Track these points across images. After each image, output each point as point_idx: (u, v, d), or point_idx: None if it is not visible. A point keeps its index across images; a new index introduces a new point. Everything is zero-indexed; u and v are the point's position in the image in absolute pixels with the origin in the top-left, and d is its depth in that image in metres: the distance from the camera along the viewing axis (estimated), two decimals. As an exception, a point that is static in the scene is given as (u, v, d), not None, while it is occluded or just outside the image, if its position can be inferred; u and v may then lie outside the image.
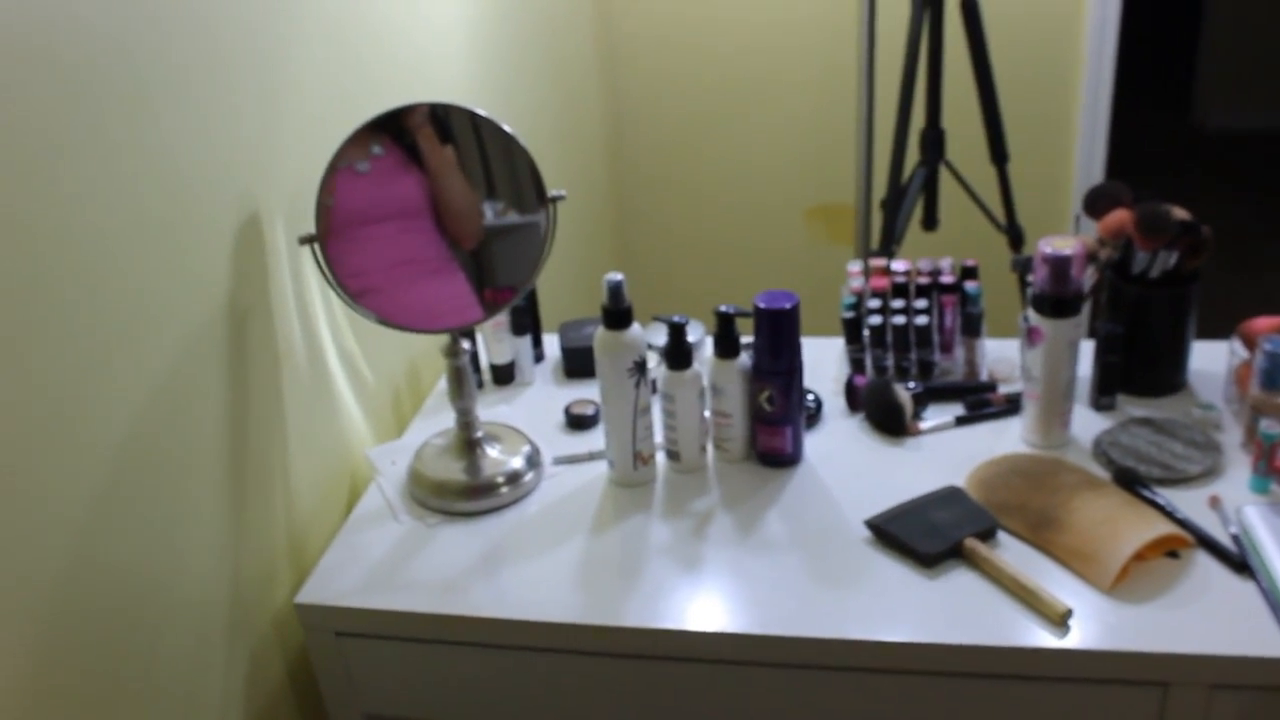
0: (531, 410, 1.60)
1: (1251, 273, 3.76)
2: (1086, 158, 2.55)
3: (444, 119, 1.31)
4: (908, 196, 2.05)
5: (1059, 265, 1.31)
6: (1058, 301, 1.33)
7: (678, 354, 1.36)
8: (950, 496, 1.32)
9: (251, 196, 1.24)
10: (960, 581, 1.21)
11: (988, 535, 1.26)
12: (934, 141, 2.09)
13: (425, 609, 1.24)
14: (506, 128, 1.31)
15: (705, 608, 1.20)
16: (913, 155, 2.17)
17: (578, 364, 1.65)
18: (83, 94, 0.98)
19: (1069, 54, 2.53)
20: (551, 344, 1.75)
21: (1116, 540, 1.20)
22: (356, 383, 1.49)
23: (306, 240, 1.26)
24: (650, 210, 2.98)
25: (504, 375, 1.65)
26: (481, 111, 1.31)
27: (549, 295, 2.28)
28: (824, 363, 1.64)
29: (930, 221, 2.19)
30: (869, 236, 2.14)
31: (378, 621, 1.26)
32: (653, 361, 1.56)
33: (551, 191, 1.34)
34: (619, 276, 1.31)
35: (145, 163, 1.06)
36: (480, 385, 1.65)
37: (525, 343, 1.63)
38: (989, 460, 1.38)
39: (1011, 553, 1.24)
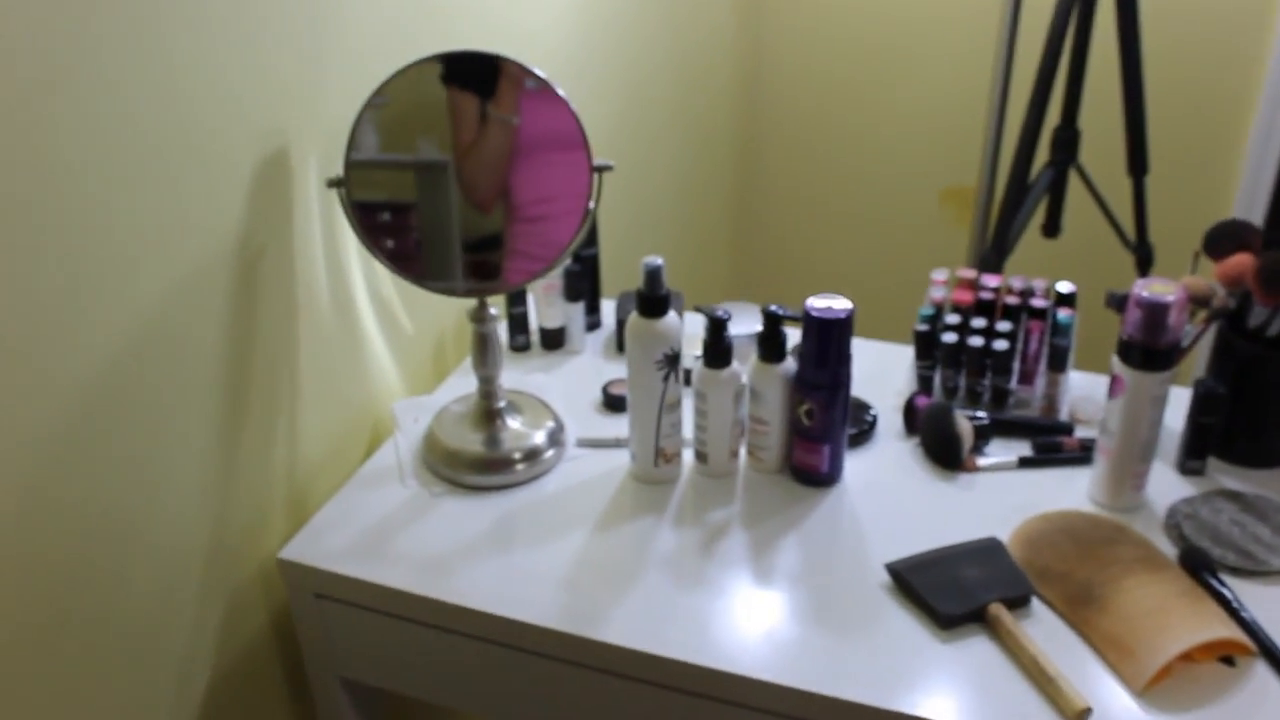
0: (571, 382, 1.51)
1: None
2: (1252, 179, 2.31)
3: (493, 74, 1.22)
4: (1029, 197, 1.88)
5: (1154, 312, 1.16)
6: (1147, 352, 1.17)
7: (716, 351, 1.25)
8: (987, 550, 1.19)
9: (280, 131, 1.17)
10: (976, 651, 1.09)
11: (1019, 603, 1.13)
12: (1067, 142, 1.90)
13: (402, 585, 1.17)
14: (561, 91, 1.21)
15: (691, 635, 1.11)
16: (1040, 155, 1.98)
17: (631, 339, 1.55)
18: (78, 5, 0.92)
19: (1249, 58, 2.29)
20: (610, 313, 1.65)
21: (1162, 635, 1.06)
22: (392, 332, 1.43)
23: (334, 184, 1.19)
24: (776, 180, 2.84)
25: (552, 340, 1.56)
26: (540, 72, 1.21)
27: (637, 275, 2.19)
28: (894, 373, 1.51)
29: (1052, 228, 2.00)
30: (985, 235, 1.97)
31: (355, 590, 1.20)
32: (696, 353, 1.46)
33: (597, 160, 1.24)
34: (658, 261, 1.20)
35: (148, 85, 1.00)
36: (527, 347, 1.57)
37: (578, 309, 1.54)
38: (1042, 514, 1.25)
39: (1042, 627, 1.11)
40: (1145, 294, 1.16)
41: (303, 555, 1.22)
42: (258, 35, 1.11)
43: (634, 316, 1.23)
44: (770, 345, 1.26)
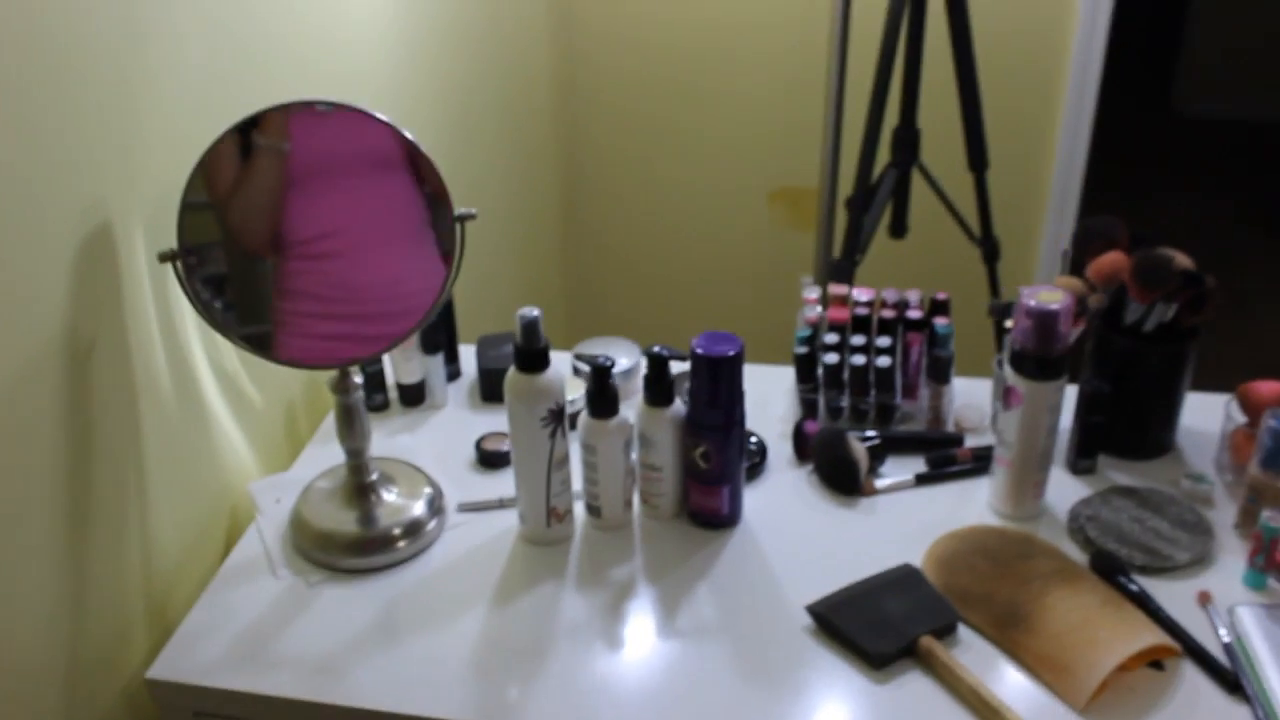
0: (439, 440, 1.41)
1: (1234, 270, 3.60)
2: (1066, 160, 2.37)
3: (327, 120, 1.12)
4: (876, 200, 1.87)
5: (1044, 321, 1.14)
6: (1041, 361, 1.16)
7: (601, 400, 1.18)
8: (905, 580, 1.15)
9: (101, 204, 1.04)
10: (913, 688, 1.05)
11: (946, 631, 1.10)
12: (908, 142, 1.90)
13: (297, 694, 1.06)
14: (409, 134, 1.12)
15: (619, 709, 1.04)
16: (882, 156, 1.98)
17: (497, 387, 1.46)
18: None
19: (1051, 55, 2.34)
20: (470, 358, 1.56)
21: (1095, 650, 1.04)
22: (240, 407, 1.31)
23: (168, 257, 1.07)
24: (604, 194, 2.77)
25: (412, 396, 1.46)
26: (381, 115, 1.11)
27: (482, 297, 2.09)
28: (773, 398, 1.46)
29: (899, 228, 2.00)
30: (830, 239, 1.95)
31: (243, 704, 1.08)
32: (576, 393, 1.38)
33: (459, 210, 1.15)
34: (534, 312, 1.12)
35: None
36: (385, 406, 1.46)
37: (437, 361, 1.44)
38: (951, 533, 1.22)
39: (973, 653, 1.08)
40: (1033, 303, 1.15)
41: (174, 671, 1.09)
42: (65, 100, 0.99)
43: (513, 373, 1.15)
44: (658, 389, 1.19)
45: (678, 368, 1.30)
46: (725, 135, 2.61)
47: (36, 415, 0.98)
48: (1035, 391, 1.17)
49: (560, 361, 1.25)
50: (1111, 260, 1.27)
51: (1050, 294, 1.15)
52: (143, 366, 1.12)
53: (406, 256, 1.16)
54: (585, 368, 1.32)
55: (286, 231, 1.10)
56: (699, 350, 1.16)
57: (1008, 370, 1.18)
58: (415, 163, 1.14)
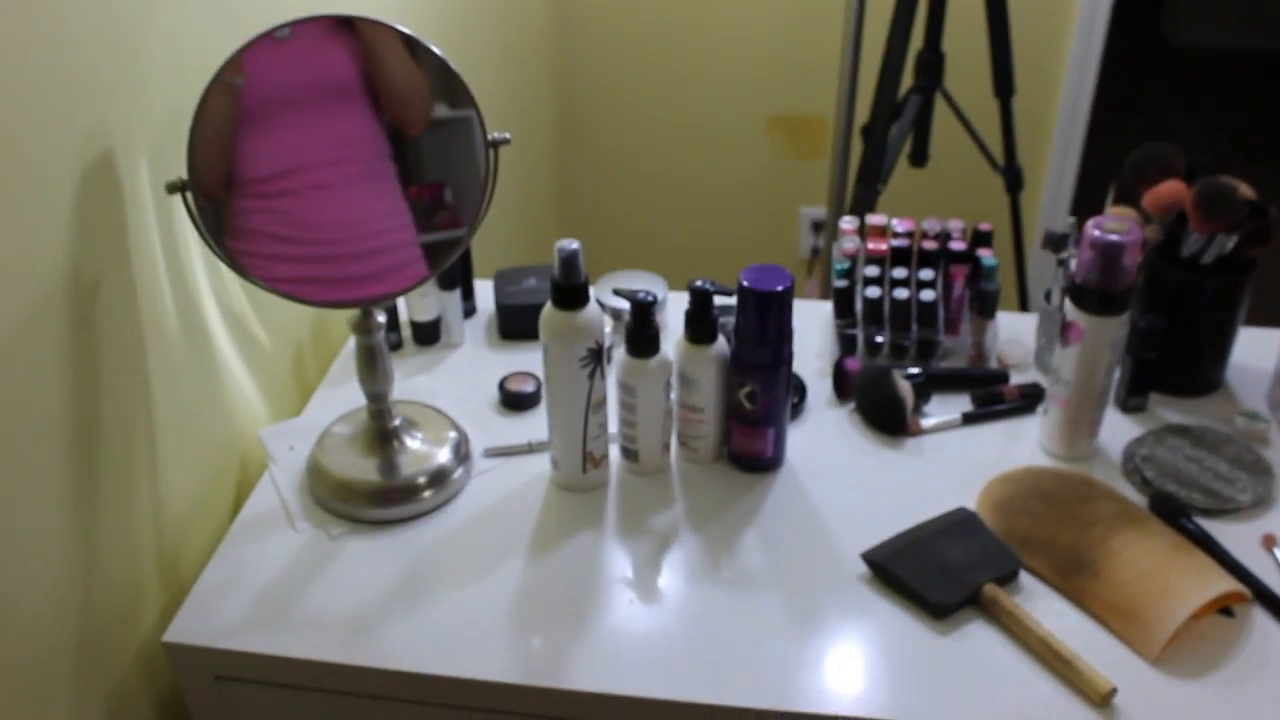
0: (459, 381, 1.34)
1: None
2: (1074, 88, 2.30)
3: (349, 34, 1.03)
4: (900, 126, 1.80)
5: (1110, 253, 1.08)
6: (1105, 296, 1.10)
7: (642, 339, 1.12)
8: (963, 525, 1.10)
9: (103, 131, 0.95)
10: (978, 639, 1.00)
11: (1008, 578, 1.05)
12: (933, 66, 1.83)
13: (325, 656, 1.00)
14: (432, 47, 1.04)
15: (670, 669, 0.98)
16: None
17: (516, 324, 1.39)
18: None
19: None
20: (485, 294, 1.48)
21: (1166, 598, 0.99)
22: (248, 349, 1.23)
23: (177, 188, 0.98)
24: (598, 121, 2.68)
25: (427, 335, 1.38)
26: (404, 29, 1.03)
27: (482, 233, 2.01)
28: (806, 332, 1.39)
29: (919, 157, 1.93)
30: (846, 167, 1.88)
31: (266, 667, 1.02)
32: (607, 328, 1.31)
33: (493, 134, 1.07)
34: (574, 245, 1.05)
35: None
36: (399, 345, 1.39)
37: (454, 298, 1.36)
38: (1004, 475, 1.17)
39: (1037, 602, 1.04)
40: (1099, 234, 1.08)
41: (192, 634, 1.03)
42: (60, 20, 0.89)
43: (549, 310, 1.08)
44: (700, 326, 1.13)
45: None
46: (725, 62, 2.52)
47: (40, 362, 0.89)
48: (1097, 327, 1.11)
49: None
50: (1170, 189, 1.20)
51: (1117, 224, 1.09)
52: (149, 307, 1.04)
53: (368, 194, 1.07)
54: (622, 303, 1.26)
55: (241, 170, 1.01)
56: (747, 284, 1.09)
57: (1068, 305, 1.13)
58: (375, 90, 1.04)
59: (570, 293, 1.06)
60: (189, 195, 0.99)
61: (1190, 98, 4.36)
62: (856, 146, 1.94)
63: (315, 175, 1.04)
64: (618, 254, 2.82)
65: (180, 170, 0.99)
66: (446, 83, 1.05)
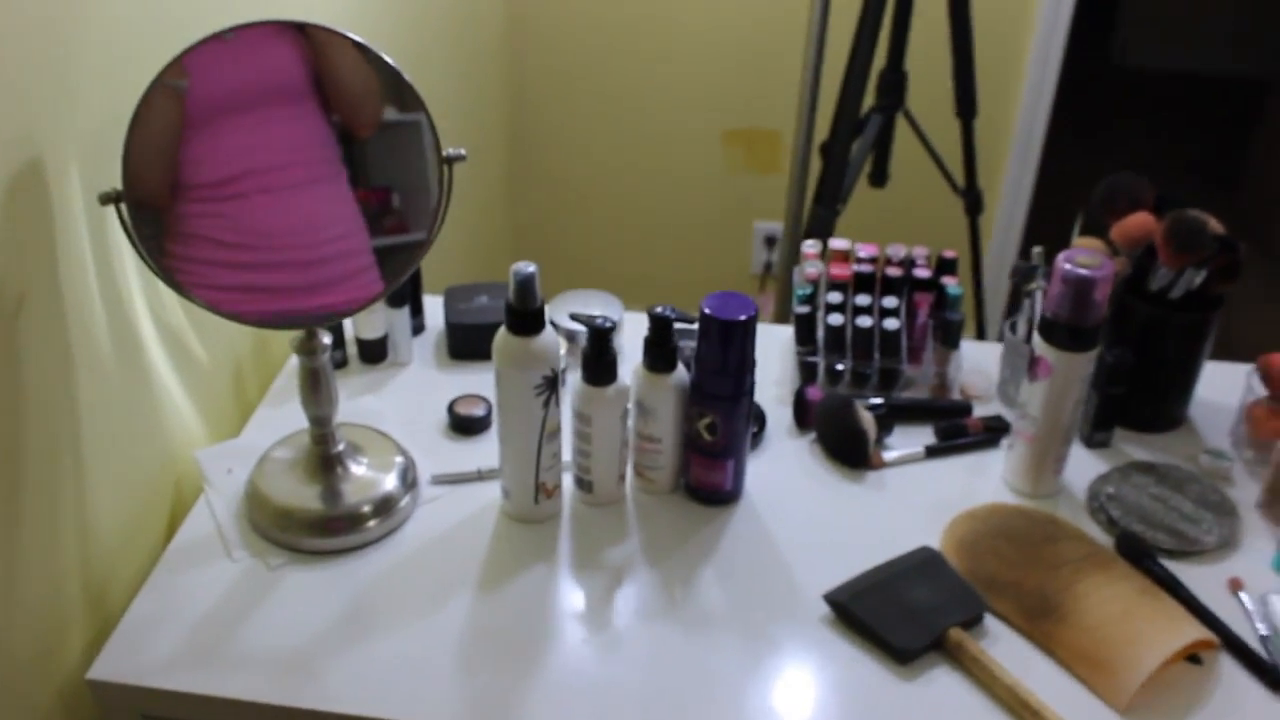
0: (406, 402, 1.29)
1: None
2: (1030, 110, 2.29)
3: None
4: (861, 145, 1.77)
5: (1082, 288, 1.05)
6: (1075, 331, 1.07)
7: (599, 366, 1.07)
8: (927, 566, 1.07)
9: (28, 139, 0.89)
10: (943, 685, 0.97)
11: (973, 621, 1.02)
12: (895, 85, 1.80)
13: (261, 696, 0.95)
14: (383, 55, 0.99)
15: (625, 710, 0.93)
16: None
17: (467, 344, 1.34)
18: None
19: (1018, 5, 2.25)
20: (434, 311, 1.43)
21: (1136, 645, 0.97)
22: (185, 366, 1.17)
23: (110, 199, 0.92)
24: (550, 132, 2.62)
25: (373, 353, 1.33)
26: (356, 37, 0.98)
27: (432, 248, 1.95)
28: (763, 359, 1.34)
29: (879, 177, 1.91)
30: (804, 187, 1.85)
31: (198, 708, 0.96)
32: (562, 350, 1.27)
33: (448, 150, 1.02)
34: (530, 268, 1.00)
35: None
36: (344, 363, 1.33)
37: (402, 315, 1.31)
38: (969, 512, 1.14)
39: (1002, 645, 1.01)
40: (1072, 268, 1.06)
41: (119, 671, 0.97)
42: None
43: (504, 335, 1.03)
44: (660, 354, 1.09)
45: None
46: (680, 75, 2.48)
47: (-38, 384, 0.84)
48: (1066, 362, 1.09)
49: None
50: (1139, 222, 1.18)
51: (1089, 259, 1.07)
52: (78, 322, 0.98)
53: (317, 198, 1.02)
54: (577, 326, 1.22)
55: (184, 175, 0.96)
56: (709, 312, 1.06)
57: (1036, 339, 1.10)
58: (323, 91, 0.99)
59: (526, 318, 1.02)
60: (123, 207, 0.93)
61: (1141, 120, 4.39)
62: (814, 162, 1.91)
63: (262, 179, 0.98)
64: (569, 266, 2.78)
65: (114, 179, 0.93)
66: (397, 88, 1.00)
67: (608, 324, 1.06)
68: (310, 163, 1.00)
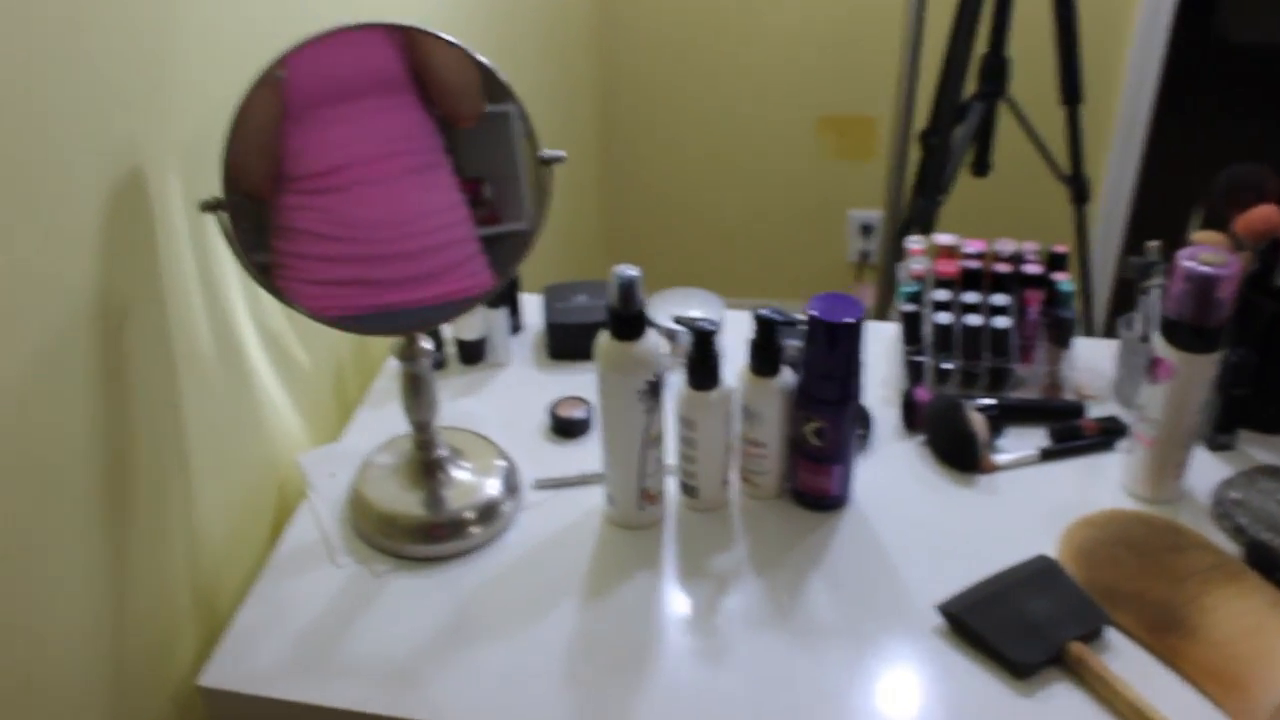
0: (506, 404, 1.28)
1: None
2: (1134, 94, 2.20)
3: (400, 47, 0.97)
4: (963, 134, 1.72)
5: (1205, 286, 1.01)
6: (1199, 331, 1.03)
7: (703, 370, 1.05)
8: (1044, 575, 1.03)
9: (130, 146, 0.89)
10: (1063, 702, 0.93)
11: (1093, 635, 0.99)
12: (997, 71, 1.75)
13: (369, 707, 0.94)
14: (475, 54, 0.97)
15: (736, 729, 0.92)
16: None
17: (566, 343, 1.32)
18: None
19: None
20: (533, 309, 1.42)
21: (1270, 663, 0.92)
22: (287, 369, 1.17)
23: (211, 206, 0.92)
24: (642, 123, 2.60)
25: (472, 354, 1.32)
26: (454, 39, 0.96)
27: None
28: (868, 357, 1.31)
29: (982, 166, 1.86)
30: (903, 172, 1.80)
31: (305, 716, 0.96)
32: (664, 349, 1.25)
33: (546, 152, 1.00)
34: (632, 271, 0.98)
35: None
36: (442, 364, 1.33)
37: (500, 315, 1.30)
38: (1086, 519, 1.10)
39: (1125, 661, 0.97)
40: (1195, 265, 1.01)
41: (228, 679, 0.97)
42: (84, 32, 0.84)
43: (606, 340, 1.01)
44: (765, 357, 1.06)
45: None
46: (769, 63, 2.44)
47: (68, 389, 0.84)
48: (1189, 364, 1.04)
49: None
50: (1264, 214, 1.13)
51: (1212, 256, 1.02)
52: (181, 329, 0.98)
53: (418, 188, 1.01)
54: (678, 327, 1.20)
55: (285, 167, 0.95)
56: (815, 314, 1.03)
57: (1156, 340, 1.05)
58: (422, 83, 0.98)
59: (628, 322, 1.00)
60: (222, 214, 0.93)
61: (1251, 101, 4.24)
62: (912, 150, 1.86)
63: (363, 170, 0.98)
64: (662, 260, 2.76)
65: (213, 187, 0.93)
66: (489, 82, 0.98)
67: (710, 327, 1.04)
68: (411, 152, 0.99)
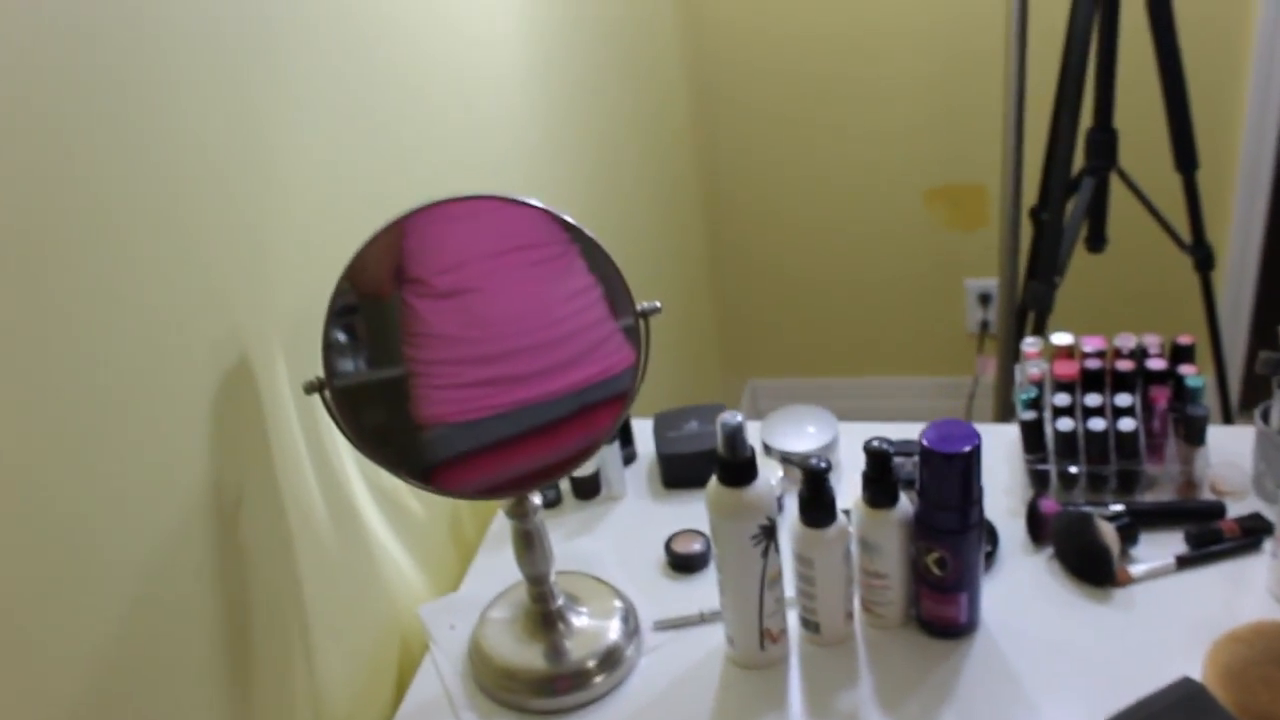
0: (622, 540, 1.27)
1: None
2: (1252, 160, 2.12)
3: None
4: (1075, 211, 1.67)
5: (1343, 387, 0.96)
6: (1340, 434, 0.97)
7: (818, 508, 1.03)
8: (1191, 701, 0.98)
9: (237, 338, 0.92)
10: (1224, 847, 0.88)
11: (1252, 768, 0.93)
12: (1106, 145, 1.70)
13: None
14: (589, 232, 0.98)
15: None
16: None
17: (680, 473, 1.31)
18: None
19: (1233, 44, 2.09)
20: (645, 435, 1.42)
21: None
22: (401, 522, 1.18)
23: (314, 388, 0.94)
24: (746, 199, 2.59)
25: (587, 489, 1.32)
26: (566, 215, 0.97)
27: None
28: (989, 464, 1.28)
29: (1097, 241, 1.80)
30: (1015, 244, 1.76)
31: None
32: (777, 475, 1.23)
33: (643, 304, 1.00)
34: (737, 417, 0.98)
35: (96, 310, 0.75)
36: (557, 501, 1.33)
37: (613, 450, 1.30)
38: (1233, 634, 1.04)
39: (1289, 796, 0.91)
40: (1330, 365, 0.96)
41: None
42: (187, 220, 0.86)
43: (715, 486, 1.00)
44: (880, 489, 1.04)
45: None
46: (873, 130, 2.42)
47: (188, 577, 0.86)
48: (1333, 467, 0.99)
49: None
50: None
51: (1349, 354, 0.97)
52: (296, 505, 1.00)
53: (546, 278, 1.00)
54: (793, 468, 1.18)
55: (408, 268, 0.96)
56: (929, 445, 1.00)
57: (1296, 442, 1.00)
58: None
59: (738, 469, 0.99)
60: (326, 394, 0.95)
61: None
62: (1023, 222, 1.82)
63: (487, 265, 0.98)
64: (777, 342, 2.74)
65: (316, 365, 0.95)
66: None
67: (823, 465, 1.02)
68: (535, 245, 0.99)
